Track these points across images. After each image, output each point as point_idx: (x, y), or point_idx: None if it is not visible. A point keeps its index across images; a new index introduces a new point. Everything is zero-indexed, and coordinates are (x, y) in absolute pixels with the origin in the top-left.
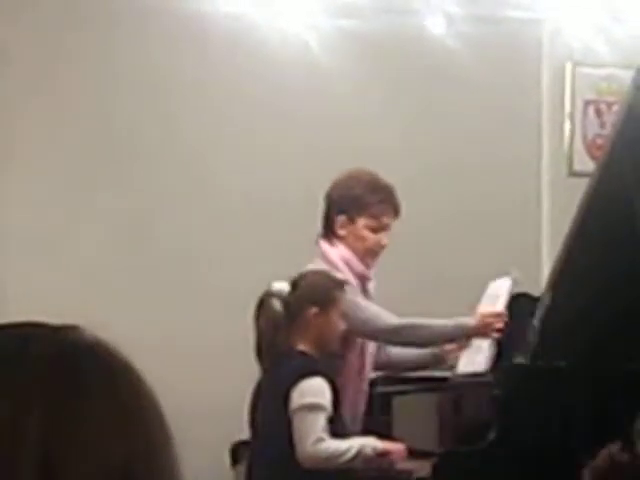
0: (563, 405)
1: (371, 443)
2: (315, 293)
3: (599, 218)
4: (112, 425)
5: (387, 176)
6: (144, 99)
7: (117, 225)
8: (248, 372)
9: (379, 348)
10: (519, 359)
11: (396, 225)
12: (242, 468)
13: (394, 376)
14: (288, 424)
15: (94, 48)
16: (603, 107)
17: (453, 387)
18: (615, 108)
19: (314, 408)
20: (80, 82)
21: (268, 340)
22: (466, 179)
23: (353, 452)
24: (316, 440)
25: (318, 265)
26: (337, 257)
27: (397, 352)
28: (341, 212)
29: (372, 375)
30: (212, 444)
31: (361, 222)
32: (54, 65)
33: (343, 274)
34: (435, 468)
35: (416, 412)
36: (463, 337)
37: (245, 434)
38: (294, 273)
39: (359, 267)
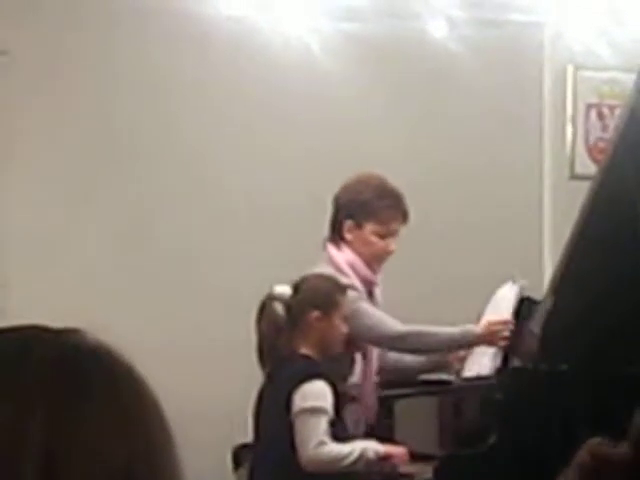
0: (564, 408)
1: (373, 446)
2: (317, 297)
3: (601, 221)
4: (113, 426)
5: (388, 179)
6: (144, 100)
7: (117, 226)
8: (250, 375)
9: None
10: (520, 363)
11: None
12: (244, 471)
13: (395, 380)
14: (290, 427)
15: (94, 48)
16: (605, 110)
17: (455, 390)
18: (617, 111)
19: (316, 411)
20: (80, 82)
21: (270, 343)
22: (467, 182)
23: (355, 456)
24: (318, 444)
25: (324, 269)
26: (343, 261)
27: (397, 358)
28: (349, 216)
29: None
30: (214, 447)
31: (369, 227)
32: (54, 65)
33: (349, 279)
34: (437, 471)
35: (418, 415)
36: (469, 345)
37: (247, 437)
38: (296, 276)
39: (365, 272)
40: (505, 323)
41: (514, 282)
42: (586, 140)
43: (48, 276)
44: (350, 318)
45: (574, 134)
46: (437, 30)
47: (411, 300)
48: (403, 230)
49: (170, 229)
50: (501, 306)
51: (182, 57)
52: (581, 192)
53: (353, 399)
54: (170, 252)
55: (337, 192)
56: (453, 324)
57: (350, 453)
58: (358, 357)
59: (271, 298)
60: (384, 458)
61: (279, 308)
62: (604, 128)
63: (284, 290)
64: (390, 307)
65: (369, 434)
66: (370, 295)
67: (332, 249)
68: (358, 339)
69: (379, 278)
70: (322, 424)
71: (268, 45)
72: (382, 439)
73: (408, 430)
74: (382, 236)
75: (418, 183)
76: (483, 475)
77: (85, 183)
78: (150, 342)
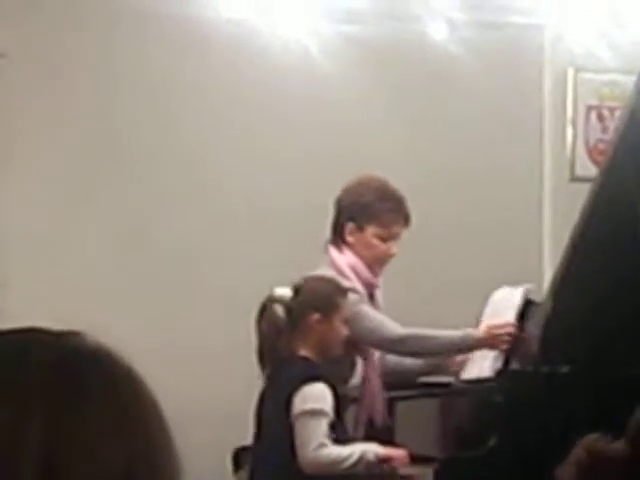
0: (564, 411)
1: (373, 449)
2: (317, 299)
3: (601, 223)
4: (113, 427)
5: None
6: (144, 102)
7: (117, 226)
8: (250, 377)
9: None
10: (520, 365)
11: None
12: (244, 474)
13: (395, 382)
14: (290, 430)
15: (94, 49)
16: (605, 112)
17: (455, 393)
18: (617, 113)
19: (316, 414)
20: (80, 82)
21: (270, 345)
22: (468, 185)
23: (355, 458)
24: (318, 446)
25: (325, 271)
26: (345, 264)
27: (396, 361)
28: (350, 219)
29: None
30: (214, 449)
31: (370, 230)
32: (54, 65)
33: (350, 281)
34: (437, 474)
35: (418, 418)
36: (469, 349)
37: (247, 439)
38: (296, 278)
39: (367, 275)
40: (505, 326)
41: (515, 287)
42: (586, 142)
43: (48, 276)
44: (351, 321)
45: (574, 136)
46: (437, 32)
47: (412, 303)
48: (404, 233)
49: (170, 230)
50: (500, 309)
51: (182, 59)
52: (581, 194)
53: (354, 401)
54: (170, 253)
55: (339, 194)
56: (454, 327)
57: (350, 455)
58: (359, 359)
59: (271, 300)
60: (384, 460)
61: (279, 310)
62: (604, 130)
63: (284, 292)
64: (391, 310)
65: (369, 436)
66: (371, 298)
67: (334, 252)
68: (359, 342)
69: (380, 281)
70: (322, 426)
71: (268, 48)
72: (382, 441)
73: (408, 432)
74: (384, 239)
75: (418, 186)
76: (483, 477)
77: (85, 183)
78: (150, 342)
